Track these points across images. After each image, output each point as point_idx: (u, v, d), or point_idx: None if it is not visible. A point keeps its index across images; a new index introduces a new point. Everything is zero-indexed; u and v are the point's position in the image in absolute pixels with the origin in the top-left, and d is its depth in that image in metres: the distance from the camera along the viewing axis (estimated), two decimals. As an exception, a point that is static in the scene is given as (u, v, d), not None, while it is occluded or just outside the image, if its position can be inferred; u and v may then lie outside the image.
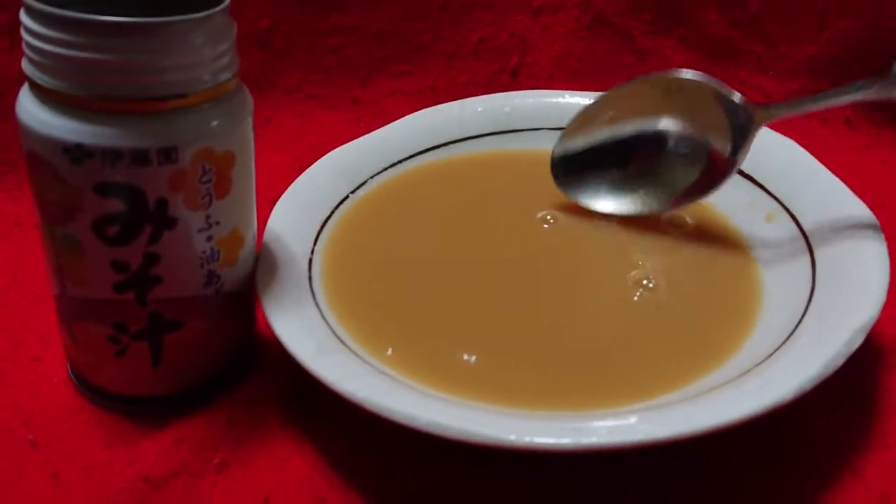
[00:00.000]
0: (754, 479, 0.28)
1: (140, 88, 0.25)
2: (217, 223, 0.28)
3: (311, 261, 0.34)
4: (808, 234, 0.33)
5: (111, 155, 0.25)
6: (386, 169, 0.40)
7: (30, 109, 0.26)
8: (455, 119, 0.43)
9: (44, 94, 0.26)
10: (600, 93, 0.42)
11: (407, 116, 0.42)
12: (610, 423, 0.25)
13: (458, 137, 0.42)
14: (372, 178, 0.39)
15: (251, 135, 0.29)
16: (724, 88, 0.34)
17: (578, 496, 0.28)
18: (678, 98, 0.35)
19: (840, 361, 0.26)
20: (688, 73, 0.35)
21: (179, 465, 0.28)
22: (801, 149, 0.37)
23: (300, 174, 0.38)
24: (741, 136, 0.33)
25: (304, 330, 0.29)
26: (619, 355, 0.30)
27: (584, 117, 0.38)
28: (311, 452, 0.29)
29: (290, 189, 0.37)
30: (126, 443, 0.29)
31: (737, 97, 0.34)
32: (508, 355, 0.30)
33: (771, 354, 0.27)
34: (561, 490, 0.28)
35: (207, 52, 0.26)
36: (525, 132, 0.43)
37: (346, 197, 0.38)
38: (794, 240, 0.34)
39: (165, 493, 0.27)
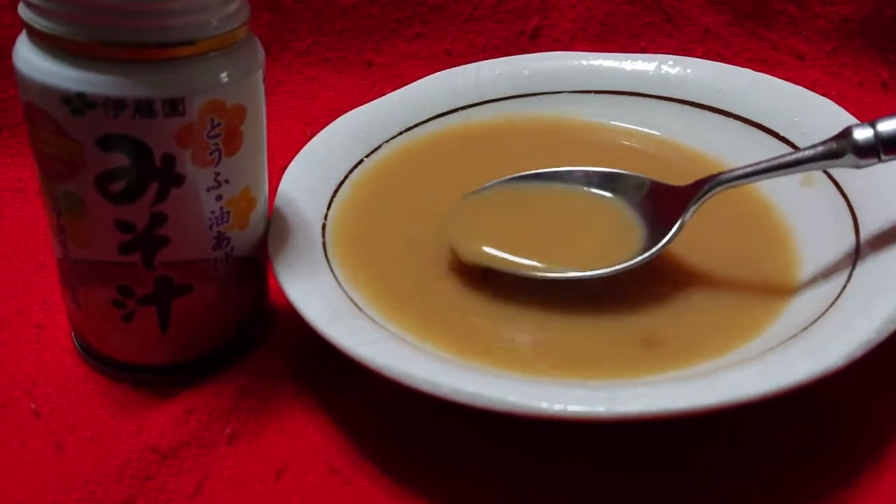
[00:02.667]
0: (793, 456, 0.26)
1: (145, 34, 0.24)
2: (227, 182, 0.27)
3: (324, 226, 0.32)
4: (849, 196, 0.32)
5: (114, 105, 0.24)
6: (401, 133, 0.38)
7: (27, 58, 0.24)
8: (473, 82, 0.41)
9: (42, 41, 0.24)
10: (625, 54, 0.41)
11: (423, 79, 0.40)
12: (645, 391, 0.23)
13: (475, 101, 0.40)
14: (387, 142, 0.38)
15: (262, 89, 0.27)
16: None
17: (609, 466, 0.26)
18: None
19: (893, 326, 0.24)
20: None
21: (189, 436, 0.27)
22: (839, 108, 0.35)
23: (312, 139, 0.36)
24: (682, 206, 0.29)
25: (319, 296, 0.28)
26: (651, 323, 0.29)
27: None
28: (325, 423, 0.28)
29: (302, 152, 0.35)
30: (133, 412, 0.28)
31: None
32: (530, 322, 0.29)
33: (816, 320, 0.26)
34: (590, 460, 0.26)
35: (215, -5, 0.24)
36: (545, 95, 0.41)
37: (361, 161, 0.37)
38: (834, 204, 0.32)
39: (175, 465, 0.26)
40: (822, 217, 0.32)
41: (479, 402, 0.23)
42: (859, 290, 0.26)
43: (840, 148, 0.27)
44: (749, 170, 0.29)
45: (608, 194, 0.33)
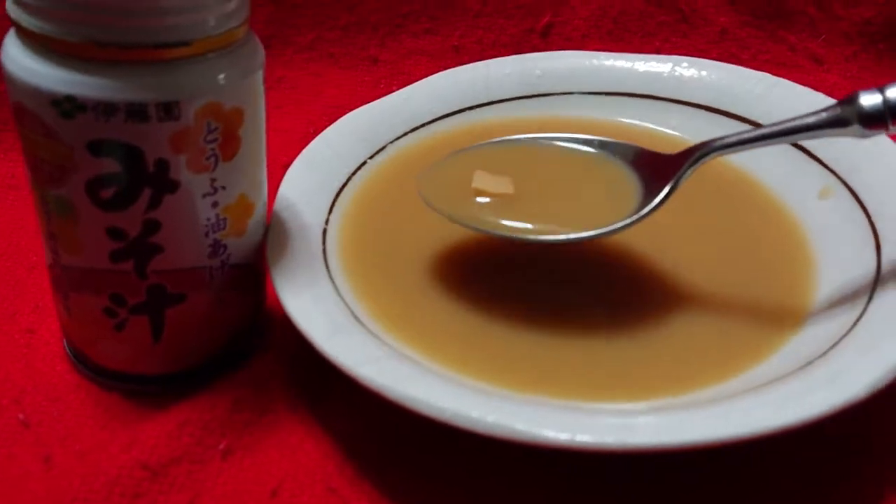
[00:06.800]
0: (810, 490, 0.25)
1: (139, 34, 0.22)
2: (223, 188, 0.26)
3: (325, 231, 0.31)
4: (869, 210, 0.30)
5: (105, 109, 0.23)
6: (407, 133, 0.37)
7: (16, 58, 0.23)
8: (482, 81, 0.40)
9: (31, 41, 0.23)
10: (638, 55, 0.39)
11: (430, 77, 0.39)
12: (658, 420, 0.22)
13: (484, 101, 0.39)
14: (392, 142, 0.37)
15: (262, 90, 0.26)
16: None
17: (611, 493, 0.25)
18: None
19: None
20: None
21: (181, 451, 0.26)
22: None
23: (314, 138, 0.35)
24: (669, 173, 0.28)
25: (318, 307, 0.27)
26: (659, 344, 0.28)
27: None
28: (322, 438, 0.27)
29: (303, 153, 0.34)
30: (124, 425, 0.27)
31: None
32: (534, 338, 0.28)
33: (835, 344, 0.25)
34: (596, 486, 0.25)
35: (213, -6, 0.23)
36: (556, 96, 0.40)
37: (364, 163, 0.35)
38: (853, 217, 0.31)
39: (166, 482, 0.25)
40: (841, 232, 0.31)
41: (484, 430, 0.22)
42: (886, 310, 0.25)
43: (845, 115, 0.25)
44: (746, 136, 0.27)
45: (601, 153, 0.30)
